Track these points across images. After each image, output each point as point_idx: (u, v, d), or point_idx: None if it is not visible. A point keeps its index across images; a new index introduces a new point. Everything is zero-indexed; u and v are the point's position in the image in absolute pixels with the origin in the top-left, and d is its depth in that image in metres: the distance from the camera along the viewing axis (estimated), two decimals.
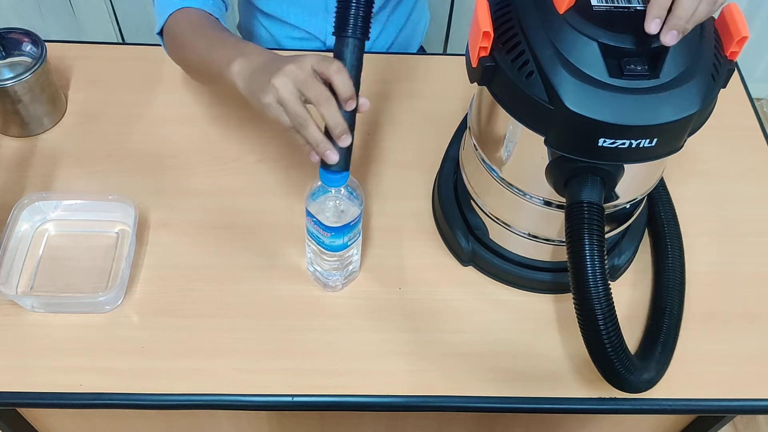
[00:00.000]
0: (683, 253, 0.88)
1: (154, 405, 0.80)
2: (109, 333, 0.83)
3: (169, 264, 0.89)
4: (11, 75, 0.93)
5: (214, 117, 0.98)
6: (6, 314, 0.84)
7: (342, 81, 0.70)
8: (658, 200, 0.92)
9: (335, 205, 0.78)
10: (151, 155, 0.99)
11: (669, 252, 0.88)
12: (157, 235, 0.91)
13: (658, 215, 0.91)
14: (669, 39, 0.62)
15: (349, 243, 0.80)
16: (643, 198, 0.82)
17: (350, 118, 0.73)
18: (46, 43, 0.96)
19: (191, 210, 0.94)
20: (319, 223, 0.77)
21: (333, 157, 0.71)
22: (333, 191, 0.77)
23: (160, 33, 0.94)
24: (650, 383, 0.77)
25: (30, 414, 0.96)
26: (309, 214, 0.77)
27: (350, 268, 0.86)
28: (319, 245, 0.80)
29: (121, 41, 1.97)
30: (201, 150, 1.00)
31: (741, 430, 1.62)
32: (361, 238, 0.84)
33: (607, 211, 0.71)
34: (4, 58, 0.93)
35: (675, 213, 0.92)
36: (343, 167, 0.73)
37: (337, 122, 0.70)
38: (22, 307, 0.84)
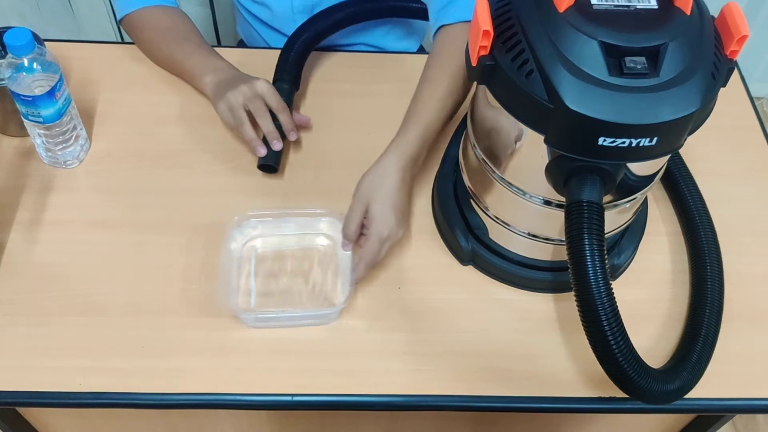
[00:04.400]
0: (722, 264, 0.88)
1: (154, 405, 0.80)
2: (109, 333, 0.83)
3: (167, 264, 0.89)
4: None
5: (213, 117, 0.98)
6: (6, 314, 0.84)
7: (285, 118, 0.95)
8: (691, 200, 0.92)
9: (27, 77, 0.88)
10: (150, 155, 0.99)
11: (708, 262, 0.88)
12: (155, 234, 0.91)
13: (692, 216, 0.91)
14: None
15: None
16: (644, 197, 0.82)
17: (280, 130, 0.95)
18: (46, 43, 0.96)
19: (190, 209, 0.94)
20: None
21: (261, 151, 0.93)
22: None
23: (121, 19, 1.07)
24: (680, 392, 0.76)
25: (30, 414, 0.96)
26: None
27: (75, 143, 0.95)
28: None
29: (120, 41, 1.96)
30: (200, 150, 1.00)
31: (741, 430, 1.62)
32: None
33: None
34: (4, 57, 0.93)
35: (710, 216, 0.92)
36: (275, 163, 0.95)
37: (270, 130, 0.93)
38: (21, 306, 0.84)
